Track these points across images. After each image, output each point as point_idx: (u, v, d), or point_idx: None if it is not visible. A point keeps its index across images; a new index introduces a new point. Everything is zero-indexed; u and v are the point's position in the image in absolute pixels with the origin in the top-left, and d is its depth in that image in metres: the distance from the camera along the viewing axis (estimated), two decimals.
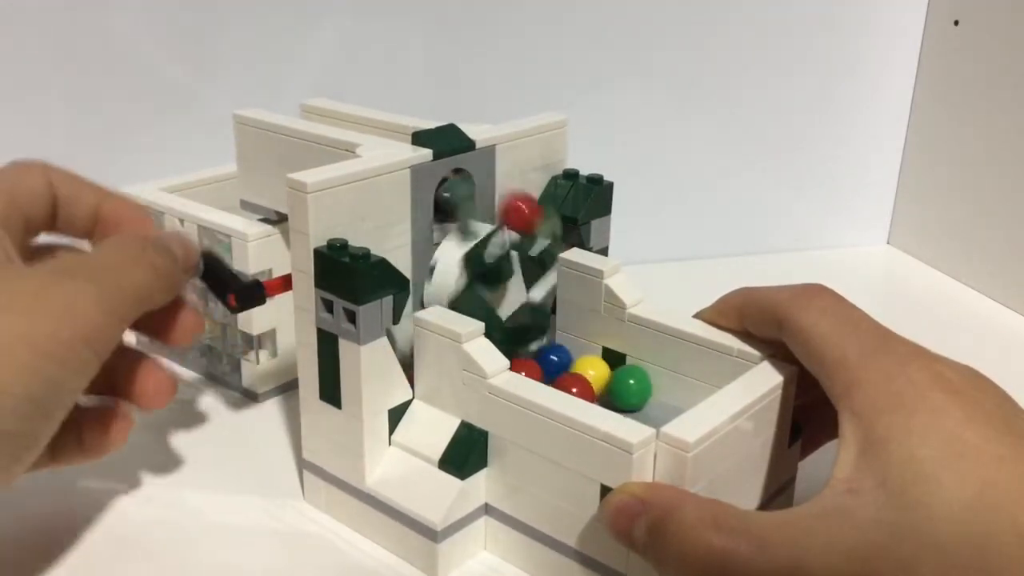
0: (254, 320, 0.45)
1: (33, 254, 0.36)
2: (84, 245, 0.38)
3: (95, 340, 0.31)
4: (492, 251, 0.38)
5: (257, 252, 0.45)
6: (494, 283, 0.39)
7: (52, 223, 0.36)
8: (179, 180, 0.52)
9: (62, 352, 0.30)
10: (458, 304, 0.38)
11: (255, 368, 0.47)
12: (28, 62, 0.57)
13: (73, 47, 0.57)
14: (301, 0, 0.59)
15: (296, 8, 0.59)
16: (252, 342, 0.46)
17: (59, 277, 0.31)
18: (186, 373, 0.51)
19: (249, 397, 0.48)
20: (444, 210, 0.39)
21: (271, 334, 0.47)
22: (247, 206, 0.46)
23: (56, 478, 0.40)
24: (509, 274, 0.39)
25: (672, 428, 0.30)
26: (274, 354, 0.47)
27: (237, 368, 0.48)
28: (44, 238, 0.37)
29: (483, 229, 0.39)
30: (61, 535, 0.37)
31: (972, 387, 0.29)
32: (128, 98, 0.59)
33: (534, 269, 0.40)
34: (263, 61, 0.59)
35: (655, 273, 0.62)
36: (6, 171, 0.36)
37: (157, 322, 0.36)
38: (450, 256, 0.38)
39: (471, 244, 0.38)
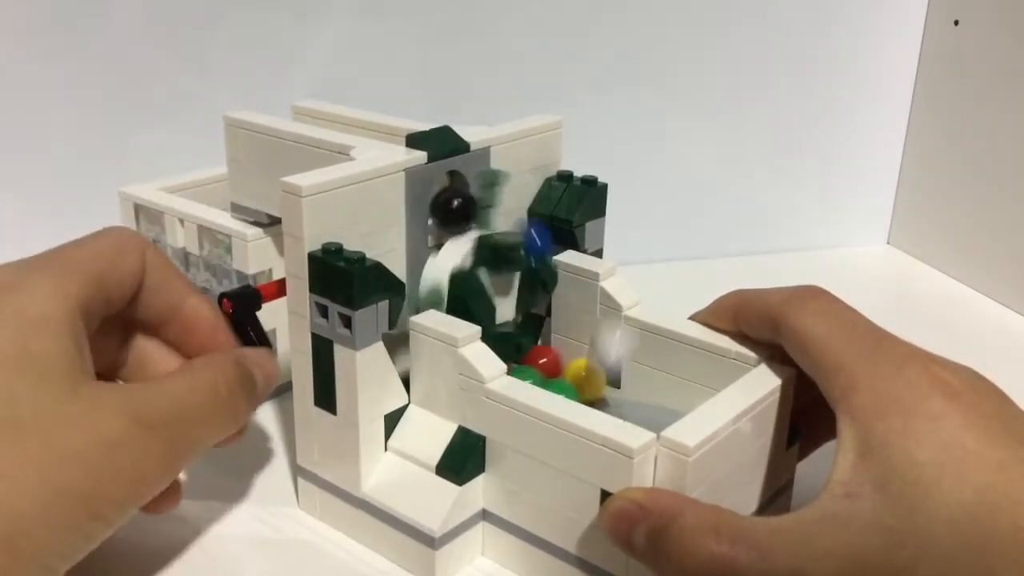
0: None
1: (106, 331, 0.34)
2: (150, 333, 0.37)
3: (145, 500, 0.30)
4: (506, 238, 0.38)
5: (257, 252, 0.45)
6: (501, 270, 0.39)
7: (130, 306, 0.35)
8: (179, 180, 0.52)
9: (110, 514, 0.29)
10: (459, 282, 0.38)
11: None
12: (28, 62, 0.57)
13: (73, 47, 0.57)
14: (301, 2, 0.59)
15: (296, 9, 0.59)
16: (264, 334, 0.47)
17: (137, 431, 0.29)
18: None
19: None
20: (448, 217, 0.39)
21: (271, 335, 0.47)
22: (238, 209, 0.46)
23: None
24: (517, 267, 0.40)
25: (672, 432, 0.30)
26: (274, 354, 0.48)
27: None
28: None
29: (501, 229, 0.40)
30: None
31: (971, 389, 0.29)
32: (128, 98, 0.59)
33: (533, 287, 0.41)
34: (263, 62, 0.60)
35: (655, 273, 0.62)
36: (102, 246, 0.33)
37: None
38: (462, 237, 0.39)
39: (485, 231, 0.39)
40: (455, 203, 0.38)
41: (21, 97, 0.58)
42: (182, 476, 0.38)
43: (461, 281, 0.38)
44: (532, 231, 0.41)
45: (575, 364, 0.41)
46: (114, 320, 0.34)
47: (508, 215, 0.42)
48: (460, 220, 0.39)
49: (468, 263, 0.38)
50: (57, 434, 0.28)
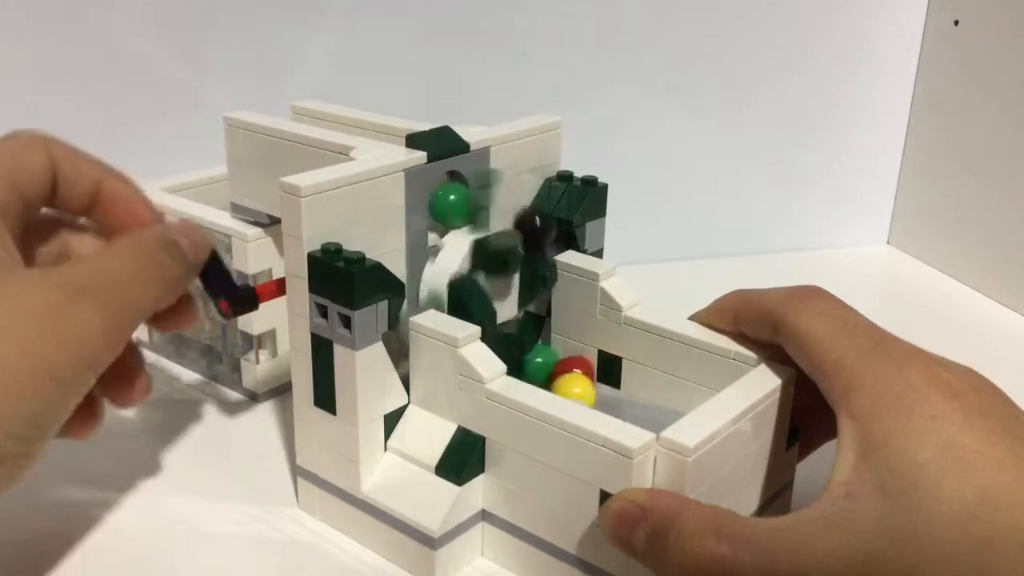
0: (254, 321, 0.46)
1: (29, 232, 0.35)
2: (81, 221, 0.37)
3: (97, 363, 0.31)
4: (502, 241, 0.39)
5: (257, 252, 0.45)
6: (498, 273, 0.39)
7: (51, 200, 0.36)
8: (179, 180, 0.52)
9: (66, 376, 0.30)
10: (458, 287, 0.38)
11: (255, 368, 0.48)
12: (28, 61, 0.57)
13: (73, 47, 0.58)
14: (301, 2, 0.59)
15: (297, 10, 0.59)
16: (252, 342, 0.47)
17: (68, 295, 0.30)
18: (186, 373, 0.51)
19: (249, 398, 0.48)
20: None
21: (271, 334, 0.47)
22: (238, 209, 0.46)
23: (39, 488, 0.40)
24: (514, 267, 0.40)
25: (672, 433, 0.31)
26: (274, 354, 0.48)
27: (237, 368, 0.48)
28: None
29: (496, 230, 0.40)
30: (45, 548, 0.37)
31: (971, 389, 0.29)
32: (128, 98, 0.59)
33: (533, 284, 0.41)
34: (263, 62, 0.60)
35: (655, 273, 0.62)
36: (5, 146, 0.35)
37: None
38: (459, 240, 0.39)
39: (481, 234, 0.39)
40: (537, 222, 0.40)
41: (21, 97, 0.58)
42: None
43: (460, 287, 0.38)
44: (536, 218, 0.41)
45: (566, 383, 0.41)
46: (42, 222, 0.36)
47: (506, 215, 0.42)
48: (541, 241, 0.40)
49: (466, 268, 0.38)
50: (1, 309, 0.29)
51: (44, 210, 0.36)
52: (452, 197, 0.39)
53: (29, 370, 0.29)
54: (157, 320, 0.36)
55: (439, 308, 0.38)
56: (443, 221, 0.39)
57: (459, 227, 0.40)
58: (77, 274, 0.32)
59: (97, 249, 0.36)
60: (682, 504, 0.29)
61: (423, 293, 0.39)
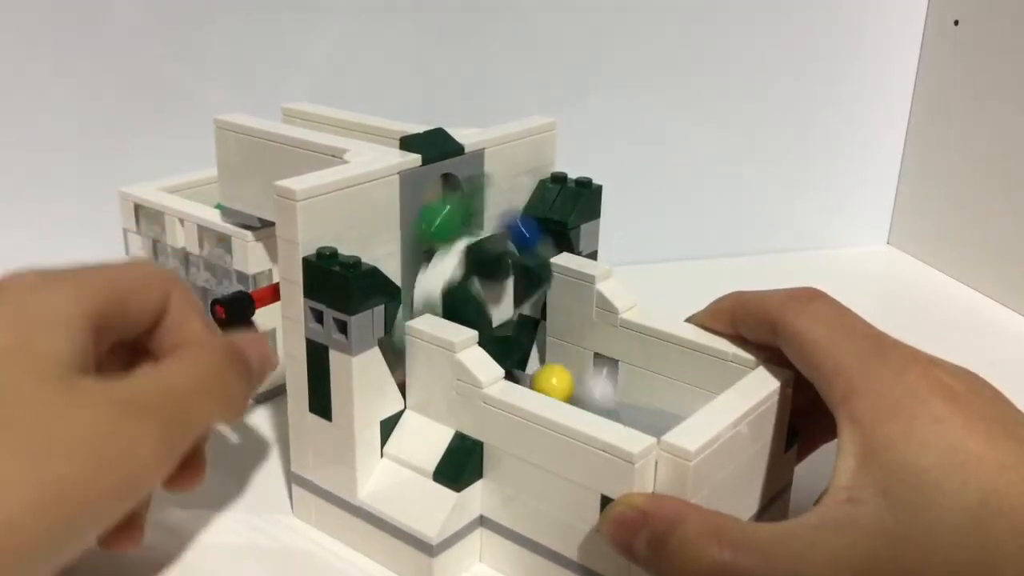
0: (254, 321, 0.46)
1: (113, 355, 0.34)
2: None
3: (143, 487, 0.30)
4: (493, 245, 0.39)
5: (257, 252, 0.46)
6: (491, 277, 0.40)
7: (147, 337, 0.35)
8: (179, 180, 0.53)
9: (102, 503, 0.28)
10: (451, 295, 0.38)
11: None
12: (28, 61, 0.58)
13: (73, 47, 0.58)
14: (300, 3, 0.60)
15: (296, 11, 0.60)
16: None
17: (126, 414, 0.29)
18: None
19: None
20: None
21: (271, 335, 0.48)
22: (228, 212, 0.46)
23: None
24: (507, 272, 0.40)
25: (673, 437, 0.31)
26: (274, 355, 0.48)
27: None
28: None
29: (483, 234, 0.40)
30: None
31: (972, 393, 0.29)
32: (128, 98, 0.60)
33: (528, 282, 0.41)
34: (263, 62, 0.61)
35: (655, 274, 0.63)
36: (131, 271, 0.34)
37: None
38: (452, 245, 0.39)
39: (473, 239, 0.39)
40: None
41: (21, 97, 0.59)
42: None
43: (454, 294, 0.38)
44: (520, 224, 0.41)
45: (546, 373, 0.41)
46: (129, 348, 0.35)
47: (501, 219, 0.43)
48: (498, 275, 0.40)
49: (459, 275, 0.39)
50: (45, 425, 0.27)
51: None
52: (435, 226, 0.39)
53: (72, 497, 0.27)
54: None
55: (434, 315, 0.39)
56: (435, 242, 0.39)
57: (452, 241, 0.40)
58: (139, 389, 0.30)
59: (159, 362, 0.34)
60: (684, 509, 0.30)
61: (417, 300, 0.39)
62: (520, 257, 0.41)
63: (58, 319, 0.30)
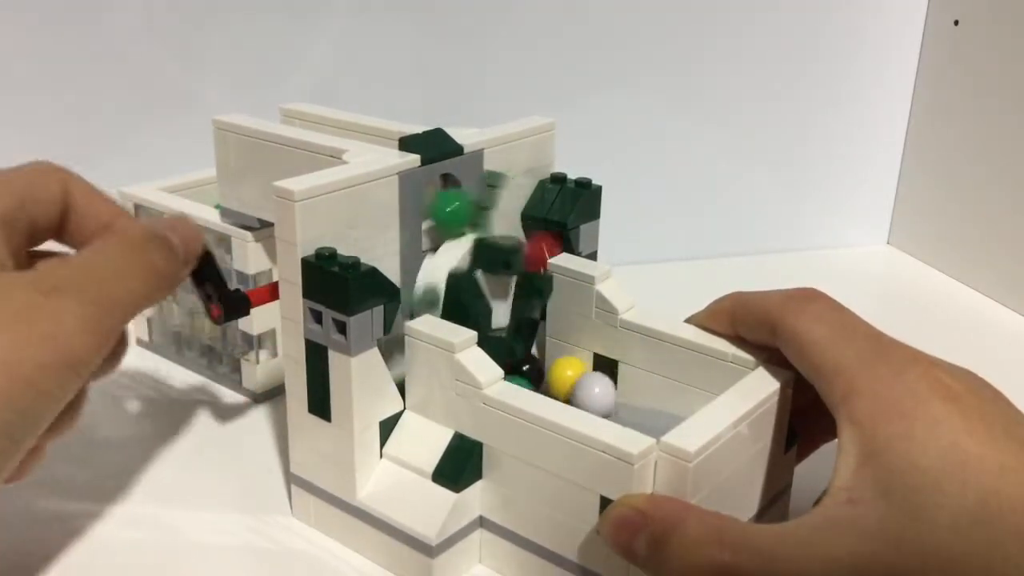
0: (254, 320, 0.46)
1: (30, 259, 0.35)
2: None
3: (79, 363, 0.30)
4: (505, 241, 0.39)
5: (257, 252, 0.46)
6: (497, 271, 0.40)
7: (60, 231, 0.36)
8: (179, 180, 0.53)
9: (41, 379, 0.29)
10: (456, 281, 0.38)
11: (255, 369, 0.48)
12: (28, 61, 0.58)
13: (73, 47, 0.58)
14: (300, 4, 0.60)
15: (295, 11, 0.60)
16: (252, 342, 0.48)
17: (45, 293, 0.30)
18: (185, 374, 0.52)
19: (249, 398, 0.49)
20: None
21: (271, 334, 0.48)
22: (227, 213, 0.47)
23: (23, 498, 0.40)
24: (515, 269, 0.40)
25: (673, 438, 0.31)
26: (274, 355, 0.49)
27: (237, 368, 0.49)
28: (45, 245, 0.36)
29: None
30: (29, 561, 0.37)
31: (972, 393, 0.30)
32: (128, 98, 0.60)
33: (530, 293, 0.42)
34: (263, 63, 0.61)
35: (654, 274, 0.63)
36: (23, 171, 0.35)
37: None
38: (461, 239, 0.40)
39: (484, 235, 0.39)
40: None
41: (21, 97, 0.59)
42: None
43: (458, 282, 0.38)
44: (540, 242, 0.42)
45: (560, 366, 0.41)
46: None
47: (502, 217, 0.43)
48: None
49: (465, 265, 0.39)
50: None
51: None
52: (450, 208, 0.39)
53: (6, 372, 0.28)
54: None
55: (435, 301, 0.39)
56: (444, 228, 0.40)
57: (460, 234, 0.40)
58: (55, 273, 0.31)
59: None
60: (684, 510, 0.30)
61: (420, 285, 0.39)
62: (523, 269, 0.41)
63: None
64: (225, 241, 0.47)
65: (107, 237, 0.34)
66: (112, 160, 0.60)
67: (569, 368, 0.41)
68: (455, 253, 0.39)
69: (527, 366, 0.42)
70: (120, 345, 0.35)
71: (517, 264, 0.40)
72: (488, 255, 0.39)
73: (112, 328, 0.31)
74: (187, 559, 0.38)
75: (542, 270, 0.42)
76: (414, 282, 0.39)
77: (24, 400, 0.28)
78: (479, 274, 0.39)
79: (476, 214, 0.41)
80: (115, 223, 0.36)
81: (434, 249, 0.40)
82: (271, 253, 0.46)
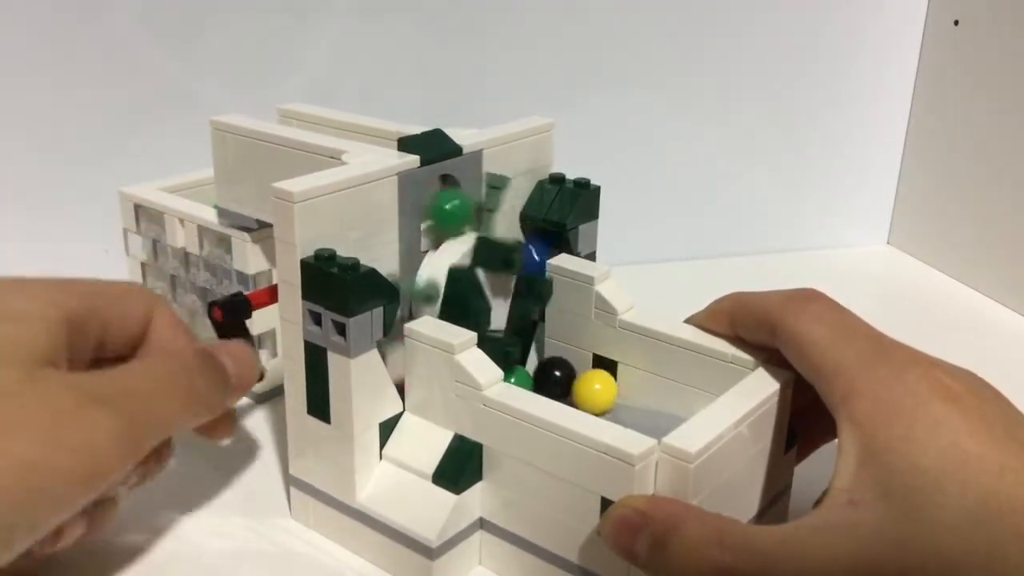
0: (255, 320, 0.46)
1: (90, 367, 0.34)
2: None
3: (99, 476, 0.30)
4: (506, 242, 0.40)
5: (257, 253, 0.46)
6: (498, 269, 0.40)
7: (135, 352, 0.36)
8: (179, 180, 0.53)
9: (55, 488, 0.28)
10: (457, 277, 0.39)
11: None
12: (28, 62, 0.58)
13: (74, 48, 0.59)
14: (299, 4, 0.60)
15: (295, 12, 0.61)
16: (252, 342, 0.48)
17: (86, 403, 0.29)
18: None
19: (249, 398, 0.49)
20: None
21: (271, 334, 0.48)
22: (225, 214, 0.47)
23: None
24: (516, 268, 0.41)
25: (674, 439, 0.31)
26: (275, 354, 0.49)
27: None
28: None
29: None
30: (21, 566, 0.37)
31: (972, 394, 0.30)
32: (128, 98, 0.60)
33: (529, 296, 0.42)
34: (263, 63, 0.61)
35: (654, 274, 0.64)
36: (114, 284, 0.36)
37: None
38: (463, 236, 0.40)
39: (486, 234, 0.40)
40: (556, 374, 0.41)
41: (21, 98, 0.59)
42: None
43: (459, 277, 0.38)
44: (529, 247, 0.42)
45: (587, 381, 0.41)
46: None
47: (502, 217, 0.43)
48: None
49: (467, 262, 0.39)
50: (5, 408, 0.28)
51: None
52: (450, 205, 0.39)
53: (28, 475, 0.27)
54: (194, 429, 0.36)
55: (434, 296, 0.39)
56: (443, 226, 0.40)
57: (461, 233, 0.41)
58: (98, 382, 0.31)
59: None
60: (684, 512, 0.30)
61: (420, 278, 0.39)
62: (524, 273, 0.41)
63: (30, 315, 0.31)
64: (225, 241, 0.47)
65: (158, 354, 0.35)
66: (112, 160, 0.60)
67: (597, 382, 0.41)
68: (457, 250, 0.39)
69: (559, 372, 0.42)
70: (164, 450, 0.36)
71: (517, 262, 0.40)
72: (489, 253, 0.39)
73: (144, 445, 0.32)
74: (185, 562, 0.38)
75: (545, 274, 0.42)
76: (413, 282, 0.40)
77: (40, 504, 0.28)
78: (480, 271, 0.40)
79: (477, 214, 0.41)
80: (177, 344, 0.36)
81: (434, 249, 0.40)
82: (268, 254, 0.46)
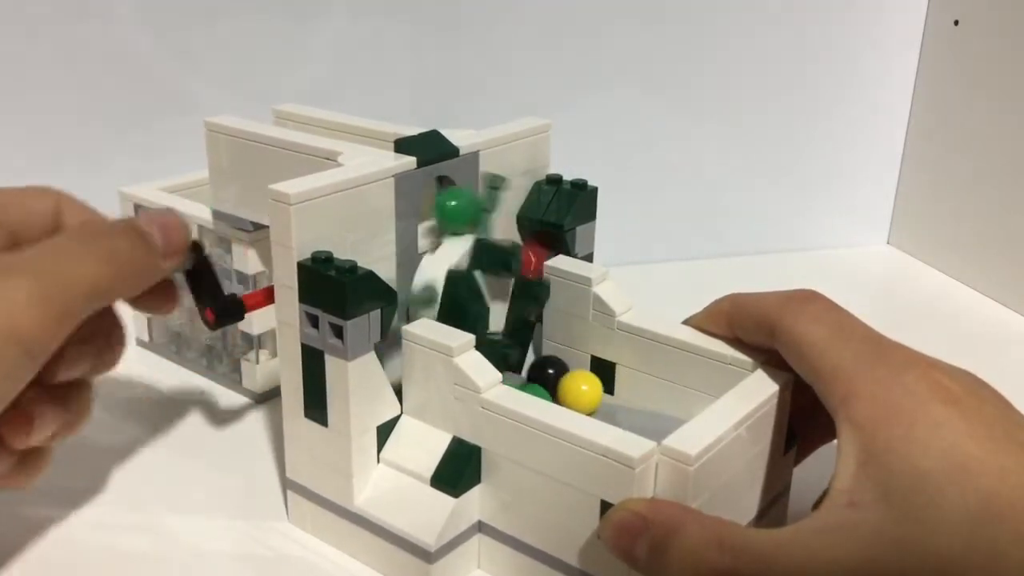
0: (254, 320, 0.46)
1: None
2: None
3: (27, 340, 0.29)
4: (504, 244, 0.40)
5: (257, 252, 0.46)
6: (497, 272, 0.40)
7: None
8: (179, 180, 0.53)
9: None
10: (454, 278, 0.38)
11: (255, 369, 0.49)
12: (29, 61, 0.58)
13: (74, 48, 0.59)
14: (298, 5, 0.60)
15: (295, 13, 0.61)
16: (252, 342, 0.48)
17: None
18: (185, 374, 0.52)
19: (249, 398, 0.49)
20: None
21: (271, 334, 0.48)
22: (220, 216, 0.46)
23: (11, 503, 0.40)
24: (515, 270, 0.40)
25: (674, 441, 0.31)
26: (274, 354, 0.49)
27: (237, 368, 0.50)
28: None
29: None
30: (26, 567, 0.37)
31: (972, 395, 0.30)
32: (128, 98, 0.60)
33: (527, 296, 0.42)
34: (263, 63, 0.61)
35: (652, 275, 0.64)
36: (14, 188, 0.36)
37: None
38: (462, 238, 0.40)
39: (484, 236, 0.40)
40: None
41: (21, 96, 0.59)
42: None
43: (457, 280, 0.38)
44: (527, 250, 0.42)
45: (573, 380, 0.41)
46: None
47: (502, 219, 0.43)
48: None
49: (465, 264, 0.39)
50: None
51: None
52: (456, 202, 0.39)
53: None
54: (134, 302, 0.36)
55: (433, 298, 0.39)
56: (446, 224, 0.40)
57: (462, 232, 0.41)
58: (11, 256, 0.31)
59: None
60: (684, 515, 0.30)
61: (418, 281, 0.39)
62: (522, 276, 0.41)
63: None
64: (225, 242, 0.47)
65: (71, 227, 0.35)
66: (112, 160, 0.60)
67: (584, 383, 0.41)
68: (455, 251, 0.39)
69: (552, 370, 0.42)
70: (115, 332, 0.36)
71: (516, 265, 0.40)
72: (488, 256, 0.39)
73: (66, 307, 0.31)
74: (181, 565, 0.38)
75: (540, 276, 0.42)
76: (411, 285, 0.40)
77: None
78: (478, 274, 0.39)
79: (478, 213, 0.41)
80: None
81: (432, 251, 0.40)
82: (263, 256, 0.46)
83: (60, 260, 0.31)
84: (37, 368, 0.30)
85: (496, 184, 0.42)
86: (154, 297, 0.36)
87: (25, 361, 0.30)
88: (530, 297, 0.42)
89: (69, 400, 0.35)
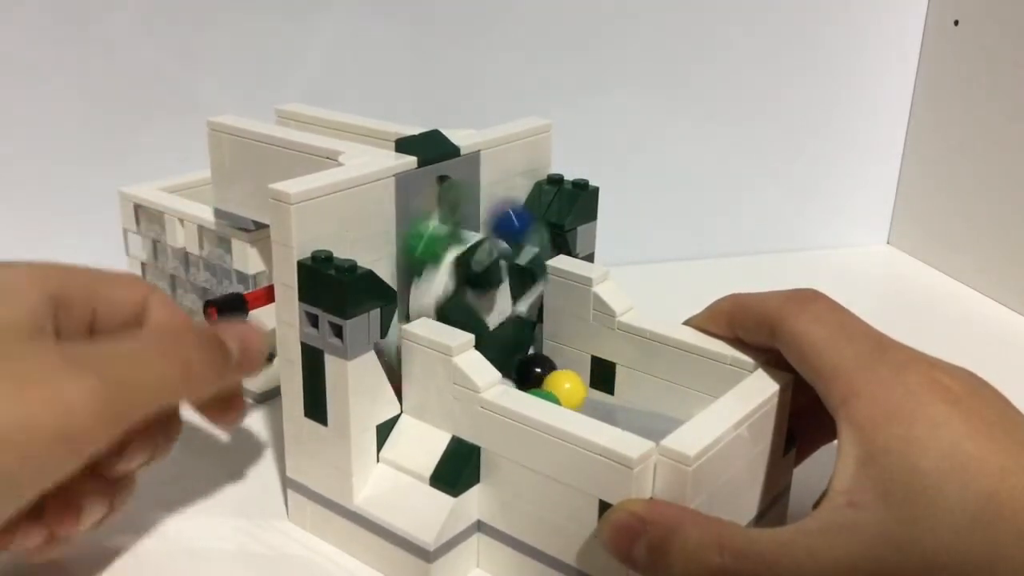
0: (254, 320, 0.46)
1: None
2: None
3: (76, 438, 0.29)
4: (480, 257, 0.39)
5: (258, 251, 0.46)
6: (483, 288, 0.40)
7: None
8: (179, 180, 0.53)
9: (31, 448, 0.28)
10: (445, 309, 0.38)
11: None
12: (28, 62, 0.58)
13: (74, 47, 0.59)
14: (298, 5, 0.61)
15: (294, 13, 0.61)
16: None
17: (66, 364, 0.29)
18: None
19: (249, 397, 0.49)
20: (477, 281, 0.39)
21: (271, 334, 0.48)
22: (222, 215, 0.47)
23: None
24: (499, 281, 0.40)
25: (672, 441, 0.31)
26: (275, 354, 0.49)
27: None
28: None
29: (472, 236, 0.40)
30: (24, 568, 0.37)
31: (971, 395, 0.30)
32: (128, 98, 0.60)
33: (523, 280, 0.42)
34: (263, 63, 0.61)
35: (653, 275, 0.64)
36: (106, 271, 0.36)
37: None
38: (440, 260, 0.39)
39: (460, 249, 0.39)
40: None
41: (21, 98, 0.59)
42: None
43: (447, 309, 0.38)
44: (511, 213, 0.41)
45: (557, 378, 0.41)
46: None
47: (492, 211, 0.43)
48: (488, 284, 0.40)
49: (451, 288, 0.38)
50: None
51: None
52: (416, 243, 0.39)
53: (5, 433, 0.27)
54: (200, 409, 0.37)
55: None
56: (427, 261, 0.39)
57: (439, 260, 0.40)
58: (82, 348, 0.31)
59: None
60: (683, 516, 0.30)
61: (413, 315, 0.39)
62: (512, 256, 0.41)
63: (11, 291, 0.32)
64: (225, 241, 0.47)
65: (149, 327, 0.35)
66: (112, 160, 0.60)
67: (567, 382, 0.40)
68: (437, 280, 0.38)
69: (539, 368, 0.42)
70: (173, 425, 0.36)
71: (498, 276, 0.39)
72: (469, 275, 0.38)
73: (124, 412, 0.30)
74: (180, 564, 0.38)
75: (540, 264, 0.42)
76: (410, 285, 0.39)
77: (11, 467, 0.27)
78: (466, 292, 0.39)
79: (444, 240, 0.39)
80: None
81: (418, 276, 0.39)
82: (265, 255, 0.46)
83: (132, 365, 0.31)
84: (83, 462, 0.30)
85: (456, 198, 0.41)
86: (218, 404, 0.36)
87: (68, 457, 0.29)
88: (527, 280, 0.41)
89: (118, 488, 0.35)
